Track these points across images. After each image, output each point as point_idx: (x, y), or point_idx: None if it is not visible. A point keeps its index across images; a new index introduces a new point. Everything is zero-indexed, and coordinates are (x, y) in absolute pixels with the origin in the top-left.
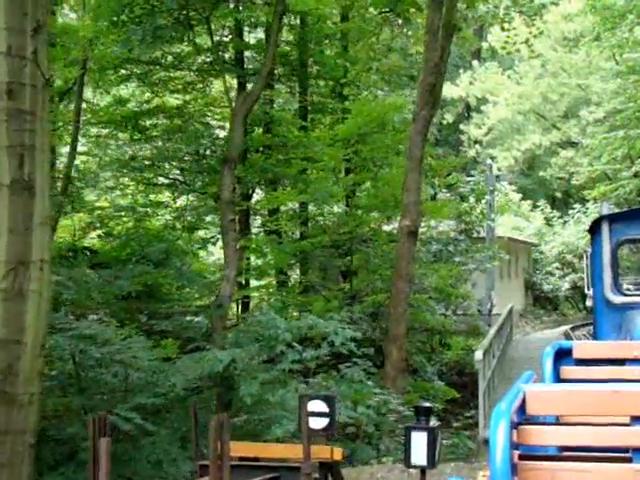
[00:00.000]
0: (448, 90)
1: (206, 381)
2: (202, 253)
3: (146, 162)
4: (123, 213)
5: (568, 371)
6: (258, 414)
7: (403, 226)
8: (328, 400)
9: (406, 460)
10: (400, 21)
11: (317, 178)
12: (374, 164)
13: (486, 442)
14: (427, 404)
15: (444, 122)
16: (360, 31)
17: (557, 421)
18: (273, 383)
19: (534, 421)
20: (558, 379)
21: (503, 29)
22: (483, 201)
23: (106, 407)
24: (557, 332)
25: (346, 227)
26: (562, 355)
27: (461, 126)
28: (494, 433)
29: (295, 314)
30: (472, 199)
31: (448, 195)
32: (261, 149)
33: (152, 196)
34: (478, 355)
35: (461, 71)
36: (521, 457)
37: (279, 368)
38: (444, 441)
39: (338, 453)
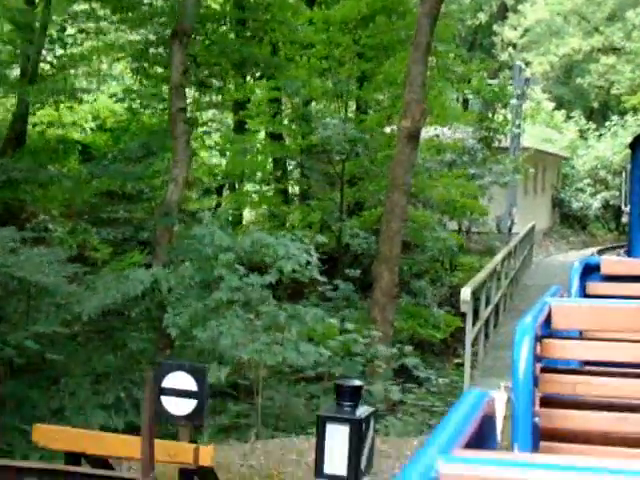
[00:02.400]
0: None
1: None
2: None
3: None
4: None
5: (594, 287)
6: (185, 352)
7: (402, 128)
8: (196, 372)
9: (317, 468)
10: None
11: (296, 66)
12: (377, 55)
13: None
14: (356, 382)
15: (477, 23)
16: None
17: (581, 336)
18: (209, 315)
19: (558, 335)
20: (584, 295)
21: None
22: (509, 108)
23: None
24: (583, 254)
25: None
26: (590, 271)
27: (495, 27)
28: (518, 345)
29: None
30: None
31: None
32: (227, 21)
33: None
34: (465, 294)
35: None
36: (543, 370)
37: (214, 297)
38: (440, 379)
39: (207, 454)
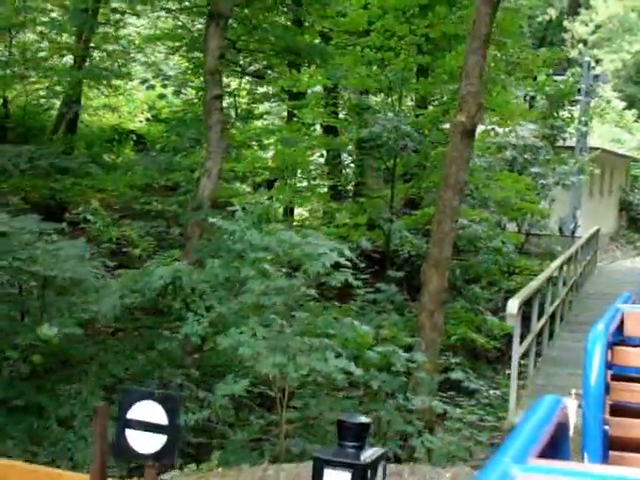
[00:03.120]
0: None
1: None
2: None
3: None
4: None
5: None
6: (212, 358)
7: (457, 122)
8: (167, 402)
9: None
10: None
11: (343, 54)
12: (436, 47)
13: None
14: (362, 418)
15: (547, 19)
16: None
17: None
18: (235, 320)
19: (630, 342)
20: None
21: None
22: (576, 105)
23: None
24: None
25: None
26: None
27: (566, 23)
28: (591, 352)
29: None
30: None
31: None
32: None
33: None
34: (511, 307)
35: None
36: (614, 377)
37: (240, 300)
38: (492, 391)
39: None
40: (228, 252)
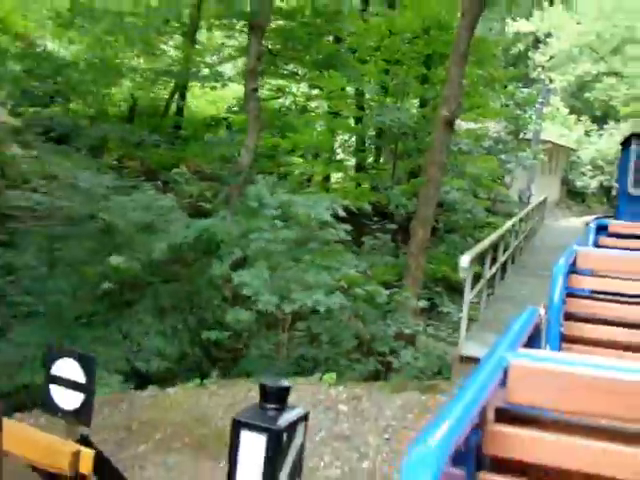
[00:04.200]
0: (522, 25)
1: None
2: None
3: None
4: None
5: (605, 240)
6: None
7: (441, 116)
8: (85, 361)
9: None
10: None
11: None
12: (432, 61)
13: (462, 359)
14: (283, 382)
15: (517, 51)
16: None
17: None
18: (248, 263)
19: (580, 272)
20: (597, 247)
21: None
22: (533, 110)
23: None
24: (580, 220)
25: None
26: (601, 230)
27: (530, 54)
28: (555, 278)
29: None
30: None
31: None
32: (301, 19)
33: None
34: (463, 261)
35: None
36: (567, 295)
37: (251, 247)
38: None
39: (87, 460)
40: (248, 209)
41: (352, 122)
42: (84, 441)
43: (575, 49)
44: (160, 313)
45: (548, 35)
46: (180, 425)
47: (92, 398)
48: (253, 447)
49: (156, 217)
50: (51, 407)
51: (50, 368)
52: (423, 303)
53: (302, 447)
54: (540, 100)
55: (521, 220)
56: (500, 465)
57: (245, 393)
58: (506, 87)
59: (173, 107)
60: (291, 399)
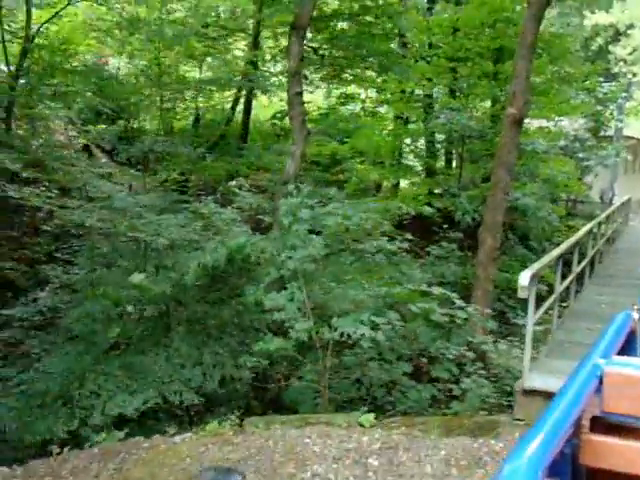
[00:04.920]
0: (601, 18)
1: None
2: None
3: None
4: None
5: None
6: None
7: (509, 114)
8: None
9: None
10: None
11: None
12: (499, 56)
13: (526, 392)
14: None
15: (595, 45)
16: None
17: None
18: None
19: None
20: None
21: None
22: (616, 104)
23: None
24: None
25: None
26: None
27: (611, 47)
28: None
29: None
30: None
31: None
32: (346, 15)
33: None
34: (523, 279)
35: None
36: None
37: (287, 266)
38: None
39: None
40: (282, 224)
41: (422, 126)
42: None
43: None
44: (194, 339)
45: (630, 27)
46: None
47: None
48: None
49: (198, 236)
50: None
51: None
52: (492, 318)
53: None
54: (623, 95)
55: (601, 223)
56: (596, 476)
57: (265, 440)
58: (584, 82)
59: (238, 117)
60: (314, 448)
